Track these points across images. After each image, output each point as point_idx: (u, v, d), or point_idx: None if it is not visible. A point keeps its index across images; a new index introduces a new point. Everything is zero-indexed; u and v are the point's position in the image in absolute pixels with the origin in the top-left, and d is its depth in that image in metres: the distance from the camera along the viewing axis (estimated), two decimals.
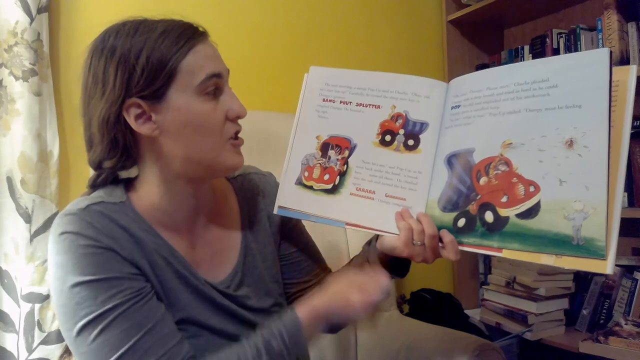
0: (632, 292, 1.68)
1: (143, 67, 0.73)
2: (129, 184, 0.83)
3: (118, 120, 0.75)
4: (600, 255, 0.65)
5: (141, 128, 0.76)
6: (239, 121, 0.83)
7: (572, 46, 1.86)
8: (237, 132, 0.82)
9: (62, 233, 0.73)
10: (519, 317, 1.76)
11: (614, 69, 0.69)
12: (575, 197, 0.68)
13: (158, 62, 0.74)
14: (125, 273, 0.73)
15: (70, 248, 0.72)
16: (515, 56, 2.08)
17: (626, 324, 1.59)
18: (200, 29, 0.80)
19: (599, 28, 1.73)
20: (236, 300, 0.86)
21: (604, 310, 1.74)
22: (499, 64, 2.16)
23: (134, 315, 0.72)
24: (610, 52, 0.69)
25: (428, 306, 1.81)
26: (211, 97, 0.78)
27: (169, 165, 0.79)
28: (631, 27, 1.68)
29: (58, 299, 0.73)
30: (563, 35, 1.90)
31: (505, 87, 0.78)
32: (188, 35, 0.77)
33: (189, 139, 0.77)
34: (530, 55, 2.00)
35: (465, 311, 1.84)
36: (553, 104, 0.73)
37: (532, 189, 0.72)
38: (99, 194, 0.79)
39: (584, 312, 1.77)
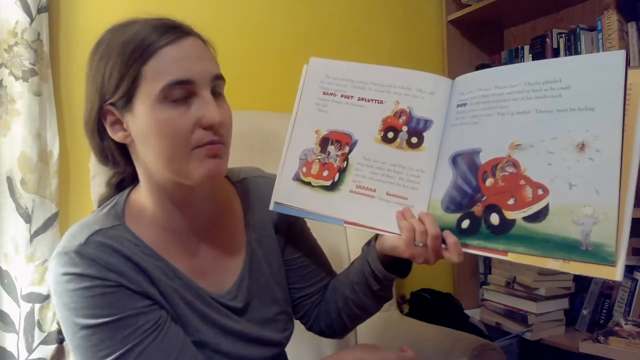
0: (632, 292, 1.69)
1: (110, 74, 0.72)
2: (131, 191, 0.82)
3: (97, 126, 0.75)
4: (610, 261, 0.64)
5: (115, 135, 0.75)
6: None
7: (572, 46, 1.86)
8: (211, 142, 0.74)
9: (65, 274, 0.69)
10: (519, 317, 1.76)
11: (628, 71, 0.67)
12: (585, 202, 0.66)
13: (120, 69, 0.71)
14: (139, 308, 0.71)
15: (76, 290, 0.69)
16: (515, 56, 2.08)
17: (626, 324, 1.59)
18: (177, 28, 0.74)
19: (599, 28, 1.73)
20: (242, 313, 0.84)
21: (604, 310, 1.74)
22: (499, 64, 2.16)
23: (156, 351, 0.71)
24: (627, 55, 0.68)
25: (428, 306, 1.81)
26: (178, 103, 0.72)
27: (149, 173, 0.77)
28: (631, 27, 1.68)
29: (71, 340, 0.71)
30: (563, 35, 1.90)
31: (515, 86, 0.76)
32: (154, 38, 0.71)
33: (154, 146, 0.73)
34: (530, 55, 2.00)
35: (465, 311, 1.84)
36: (565, 105, 0.71)
37: (540, 191, 0.71)
38: (96, 219, 0.76)
39: (584, 312, 1.78)
